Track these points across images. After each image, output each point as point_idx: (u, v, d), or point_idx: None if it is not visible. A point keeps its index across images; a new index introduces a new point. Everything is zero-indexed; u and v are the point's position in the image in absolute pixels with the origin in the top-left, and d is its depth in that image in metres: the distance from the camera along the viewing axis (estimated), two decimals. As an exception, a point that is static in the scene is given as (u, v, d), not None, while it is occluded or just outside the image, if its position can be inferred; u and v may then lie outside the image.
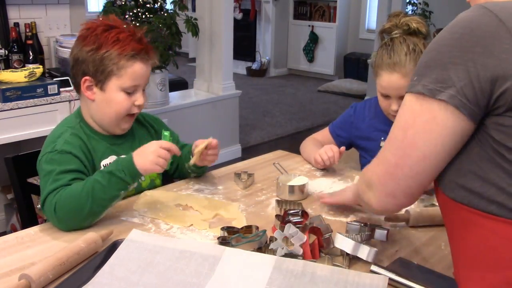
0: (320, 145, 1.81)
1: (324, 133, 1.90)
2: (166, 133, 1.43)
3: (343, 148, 1.69)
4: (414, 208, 1.39)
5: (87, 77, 1.40)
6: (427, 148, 0.81)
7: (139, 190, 1.51)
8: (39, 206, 1.38)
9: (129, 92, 1.42)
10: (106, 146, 1.47)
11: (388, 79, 1.58)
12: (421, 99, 0.80)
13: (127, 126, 1.49)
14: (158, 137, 1.58)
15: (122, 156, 1.39)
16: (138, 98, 1.44)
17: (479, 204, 0.79)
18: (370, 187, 0.91)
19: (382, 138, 1.73)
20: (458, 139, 0.79)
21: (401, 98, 1.57)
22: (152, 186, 1.58)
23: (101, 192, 1.27)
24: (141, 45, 1.41)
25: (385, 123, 1.73)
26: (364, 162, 1.83)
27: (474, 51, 0.76)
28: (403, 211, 1.42)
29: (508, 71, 0.74)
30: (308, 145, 1.86)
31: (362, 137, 1.80)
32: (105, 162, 1.45)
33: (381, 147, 1.72)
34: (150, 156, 1.30)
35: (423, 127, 0.80)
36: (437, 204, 1.42)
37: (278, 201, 1.45)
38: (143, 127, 1.62)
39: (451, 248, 0.92)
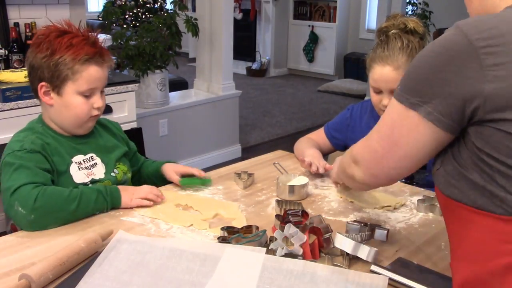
0: (315, 145, 1.81)
1: (319, 134, 1.89)
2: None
3: (329, 166, 1.67)
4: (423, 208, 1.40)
5: (43, 83, 1.41)
6: (410, 149, 0.90)
7: (115, 183, 1.51)
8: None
9: (87, 95, 1.43)
10: (72, 145, 1.48)
11: (380, 72, 1.58)
12: (404, 108, 0.88)
13: (89, 125, 1.50)
14: (120, 139, 1.63)
15: (88, 155, 1.48)
16: (97, 101, 1.45)
17: (468, 201, 0.85)
18: (357, 163, 1.01)
19: None
20: (436, 146, 0.89)
21: (392, 92, 1.58)
22: (126, 180, 1.58)
23: (86, 202, 1.34)
24: (95, 48, 1.42)
25: None
26: None
27: (447, 70, 0.82)
28: (412, 211, 1.42)
29: (475, 90, 0.80)
30: (302, 143, 1.86)
31: (357, 140, 1.77)
32: (75, 159, 1.46)
33: None
34: (135, 201, 1.41)
35: (407, 132, 0.89)
36: (437, 204, 1.43)
37: (278, 201, 1.45)
38: (106, 128, 1.63)
39: (449, 240, 0.97)
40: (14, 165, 1.33)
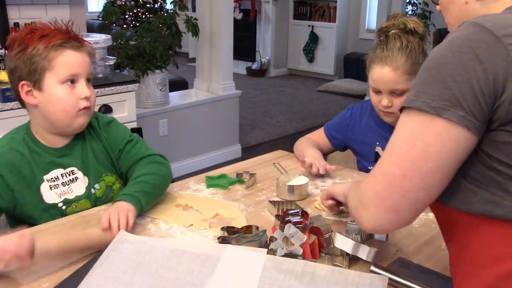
0: (315, 145, 1.81)
1: (319, 134, 1.89)
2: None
3: (329, 167, 1.66)
4: None
5: (23, 82, 1.33)
6: (440, 160, 0.79)
7: (95, 201, 1.45)
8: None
9: (70, 84, 1.34)
10: (50, 159, 1.40)
11: (379, 72, 1.58)
12: (423, 115, 0.80)
13: (81, 121, 1.38)
14: (111, 145, 1.48)
15: (69, 168, 1.41)
16: (82, 90, 1.35)
17: (471, 209, 0.82)
18: (365, 204, 0.86)
19: (378, 143, 1.73)
20: (467, 153, 0.80)
21: (391, 93, 1.59)
22: (109, 193, 1.49)
23: None
24: (68, 34, 1.35)
25: (381, 126, 1.72)
26: (359, 166, 1.82)
27: (476, 69, 0.77)
28: None
29: (503, 84, 0.76)
30: (302, 143, 1.85)
31: (357, 141, 1.79)
32: (48, 176, 1.39)
33: (376, 152, 1.72)
34: None
35: (434, 138, 0.79)
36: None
37: (272, 202, 1.44)
38: (96, 136, 1.49)
39: (448, 248, 0.95)
40: None
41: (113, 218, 1.22)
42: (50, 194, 1.39)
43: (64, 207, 1.40)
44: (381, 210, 0.83)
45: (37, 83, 1.33)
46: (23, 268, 1.06)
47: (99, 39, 2.86)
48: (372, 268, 1.10)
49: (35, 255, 1.06)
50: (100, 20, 4.58)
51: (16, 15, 2.83)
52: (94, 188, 1.46)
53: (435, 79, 0.80)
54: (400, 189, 0.81)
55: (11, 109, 2.41)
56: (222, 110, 4.16)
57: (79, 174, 1.43)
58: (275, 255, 1.11)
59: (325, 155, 1.84)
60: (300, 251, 1.12)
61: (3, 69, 2.67)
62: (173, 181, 1.73)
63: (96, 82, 2.69)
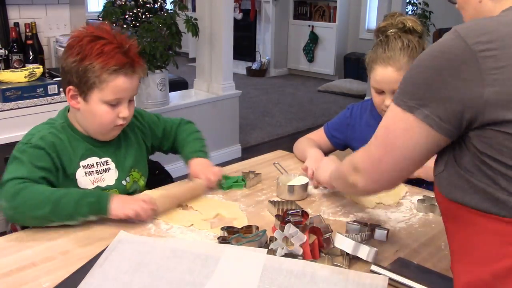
0: (315, 145, 1.81)
1: (319, 133, 1.89)
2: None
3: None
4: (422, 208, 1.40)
5: (71, 87, 1.40)
6: (406, 150, 0.91)
7: (123, 192, 1.50)
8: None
9: (113, 104, 1.41)
10: (87, 147, 1.46)
11: (382, 73, 1.58)
12: (399, 110, 0.89)
13: (114, 133, 1.49)
14: (142, 134, 1.62)
15: (104, 158, 1.47)
16: (123, 111, 1.43)
17: (471, 203, 0.85)
18: (357, 171, 1.01)
19: None
20: (434, 148, 0.89)
21: (393, 92, 1.57)
22: (136, 188, 1.57)
23: (65, 206, 1.26)
24: (127, 58, 1.39)
25: None
26: None
27: (446, 74, 0.82)
28: (412, 211, 1.42)
29: (474, 95, 0.79)
30: (302, 143, 1.85)
31: (357, 139, 1.78)
32: (84, 163, 1.45)
33: None
34: (127, 210, 1.29)
35: (402, 132, 0.89)
36: (436, 204, 1.43)
37: (272, 202, 1.44)
38: (133, 132, 1.60)
39: (448, 243, 0.97)
40: (14, 158, 1.35)
41: (206, 172, 1.53)
42: (85, 180, 1.44)
43: None
44: (367, 178, 1.00)
45: (83, 94, 1.40)
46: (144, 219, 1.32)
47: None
48: (372, 268, 1.10)
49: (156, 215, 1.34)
50: (100, 20, 4.58)
51: (16, 15, 2.83)
52: (126, 181, 1.52)
53: (412, 79, 0.88)
54: (377, 168, 0.97)
55: (11, 109, 2.41)
56: (222, 110, 4.16)
57: (112, 165, 1.50)
58: (275, 255, 1.11)
59: (326, 154, 1.85)
60: (300, 251, 1.12)
61: (3, 69, 2.67)
62: (173, 181, 1.73)
63: (96, 82, 2.70)
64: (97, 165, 1.47)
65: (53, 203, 1.25)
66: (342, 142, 1.85)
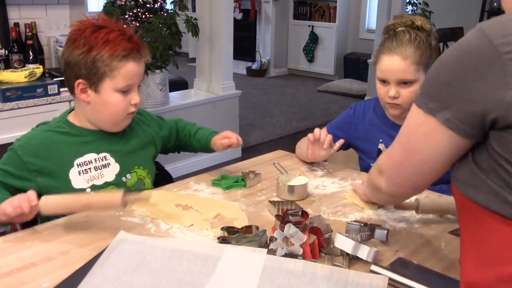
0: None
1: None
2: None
3: (341, 140, 1.69)
4: (423, 197, 1.40)
5: (80, 80, 1.39)
6: (427, 155, 0.89)
7: (123, 187, 1.49)
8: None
9: (124, 91, 1.42)
10: (85, 140, 1.46)
11: (388, 61, 1.59)
12: (422, 114, 0.86)
13: (125, 123, 1.50)
14: (148, 135, 1.61)
15: (102, 154, 1.47)
16: (134, 97, 1.44)
17: (483, 202, 0.83)
18: (382, 174, 1.01)
19: (380, 140, 1.74)
20: (455, 152, 0.87)
21: (398, 83, 1.60)
22: (140, 185, 1.56)
23: None
24: (132, 44, 1.40)
25: (385, 123, 1.74)
26: (362, 164, 1.82)
27: (468, 75, 0.79)
28: (412, 199, 1.42)
29: (496, 99, 0.77)
30: (304, 143, 1.83)
31: (361, 138, 1.80)
32: (80, 160, 1.44)
33: (379, 148, 1.73)
34: (6, 207, 1.21)
35: (423, 136, 0.88)
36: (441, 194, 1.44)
37: (272, 202, 1.44)
38: (139, 127, 1.61)
39: (460, 238, 0.95)
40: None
41: (230, 135, 1.60)
42: (79, 180, 1.43)
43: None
44: (390, 183, 0.99)
45: (94, 85, 1.39)
46: (25, 216, 1.22)
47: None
48: (372, 268, 1.10)
49: (38, 206, 1.21)
50: (100, 20, 4.60)
51: (16, 15, 2.83)
52: (126, 177, 1.51)
53: (433, 80, 0.85)
54: (399, 172, 0.96)
55: (11, 109, 2.42)
56: (222, 110, 4.16)
57: (111, 160, 1.49)
58: (275, 255, 1.11)
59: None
60: (300, 251, 1.12)
61: (3, 69, 2.67)
62: (173, 181, 1.73)
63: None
64: (95, 161, 1.46)
65: None
66: (345, 142, 1.83)
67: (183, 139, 1.72)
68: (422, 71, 1.60)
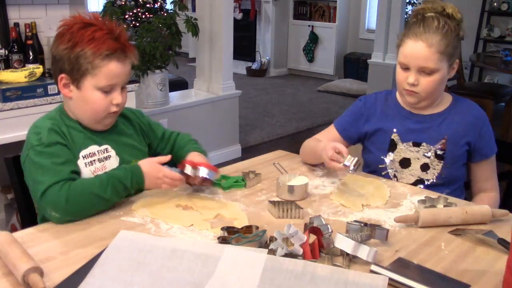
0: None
1: (328, 131, 1.82)
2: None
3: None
4: (423, 209, 1.40)
5: (63, 75, 1.40)
6: None
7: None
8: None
9: (106, 91, 1.41)
10: (86, 136, 1.47)
11: (412, 47, 1.55)
12: None
13: (108, 122, 1.49)
14: (141, 129, 1.62)
15: (103, 146, 1.48)
16: (116, 97, 1.43)
17: None
18: None
19: (395, 130, 1.70)
20: None
21: (419, 71, 1.56)
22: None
23: (113, 197, 1.35)
24: (118, 43, 1.40)
25: (399, 113, 1.71)
26: (368, 156, 1.77)
27: None
28: (412, 211, 1.42)
29: None
30: (310, 143, 1.78)
31: (372, 129, 1.74)
32: (85, 152, 1.45)
33: (392, 139, 1.69)
34: (156, 181, 1.41)
35: None
36: (437, 206, 1.44)
37: (272, 202, 1.44)
38: (126, 119, 1.61)
39: None
40: (36, 164, 1.35)
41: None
42: (85, 171, 1.44)
43: None
44: None
45: (76, 81, 1.40)
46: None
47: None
48: (372, 268, 1.10)
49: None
50: (100, 20, 4.60)
51: (16, 15, 2.83)
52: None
53: None
54: None
55: (11, 109, 2.41)
56: (222, 110, 4.16)
57: (112, 152, 1.51)
58: (275, 255, 1.11)
59: None
60: (300, 251, 1.12)
61: (3, 69, 2.67)
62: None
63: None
64: (98, 153, 1.47)
65: (103, 199, 1.33)
66: (354, 135, 1.79)
67: (176, 151, 1.68)
68: (446, 61, 1.55)
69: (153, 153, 1.67)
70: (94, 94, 1.40)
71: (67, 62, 1.38)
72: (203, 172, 1.45)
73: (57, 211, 1.29)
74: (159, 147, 1.69)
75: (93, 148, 1.47)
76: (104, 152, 1.49)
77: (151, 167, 1.42)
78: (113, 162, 1.51)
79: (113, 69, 1.39)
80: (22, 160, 1.41)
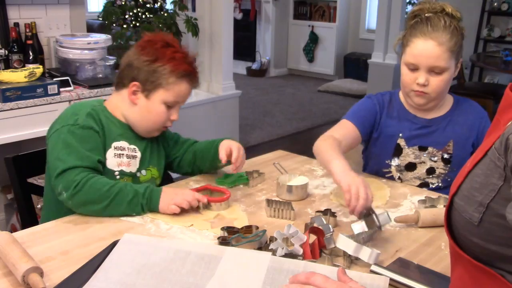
0: (340, 146, 1.53)
1: (343, 126, 1.66)
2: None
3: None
4: (423, 209, 1.40)
5: (135, 83, 1.48)
6: None
7: (136, 182, 1.52)
8: (39, 206, 1.38)
9: (170, 106, 1.52)
10: (121, 131, 1.52)
11: (422, 46, 1.51)
12: None
13: (156, 134, 1.59)
14: (162, 144, 1.65)
15: (133, 145, 1.52)
16: (174, 114, 1.56)
17: None
18: None
19: (400, 134, 1.67)
20: None
21: (429, 71, 1.53)
22: (152, 184, 1.56)
23: (119, 201, 1.35)
24: (191, 68, 1.53)
25: (405, 116, 1.67)
26: (371, 160, 1.74)
27: None
28: (413, 211, 1.42)
29: None
30: (323, 145, 1.53)
31: (378, 129, 1.70)
32: (117, 144, 1.50)
33: (397, 143, 1.66)
34: (172, 207, 1.37)
35: None
36: (437, 206, 1.43)
37: (268, 201, 1.43)
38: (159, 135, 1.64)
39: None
40: (65, 142, 1.39)
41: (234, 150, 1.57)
42: (112, 161, 1.49)
43: (118, 177, 1.50)
44: None
45: (147, 91, 1.49)
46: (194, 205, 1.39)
47: (99, 39, 2.86)
48: (372, 268, 1.10)
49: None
50: (100, 20, 4.58)
51: (16, 15, 2.83)
52: (140, 173, 1.56)
53: None
54: None
55: (11, 109, 2.41)
56: (222, 110, 4.15)
57: (138, 154, 1.55)
58: (275, 255, 1.11)
59: (346, 151, 1.61)
60: (300, 251, 1.12)
61: (3, 69, 2.67)
62: (173, 181, 1.73)
63: (96, 82, 2.69)
64: (128, 149, 1.52)
65: (109, 201, 1.33)
66: (369, 131, 1.69)
67: (198, 156, 1.67)
68: (454, 59, 1.54)
69: (167, 155, 1.68)
70: (159, 107, 1.50)
71: (145, 73, 1.47)
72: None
73: (66, 192, 1.33)
74: (174, 150, 1.70)
75: (124, 144, 1.52)
76: (133, 151, 1.54)
77: (171, 188, 1.47)
78: (136, 163, 1.54)
79: (183, 89, 1.52)
80: (49, 134, 1.45)
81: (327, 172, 1.48)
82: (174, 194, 1.39)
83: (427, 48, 1.51)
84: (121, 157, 1.50)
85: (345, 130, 1.65)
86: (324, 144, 1.52)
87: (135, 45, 1.53)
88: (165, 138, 1.69)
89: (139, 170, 1.55)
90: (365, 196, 1.24)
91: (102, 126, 1.47)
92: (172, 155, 1.69)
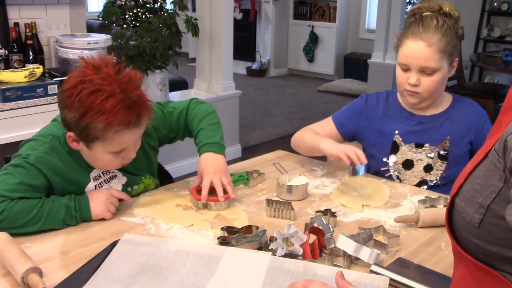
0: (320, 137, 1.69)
1: (325, 123, 1.79)
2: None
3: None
4: (423, 209, 1.40)
5: (71, 134, 1.30)
6: None
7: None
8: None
9: (117, 152, 1.33)
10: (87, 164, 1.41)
11: (412, 47, 1.54)
12: None
13: (118, 167, 1.44)
14: (154, 137, 1.54)
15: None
16: (128, 154, 1.36)
17: None
18: None
19: (396, 132, 1.68)
20: None
21: (420, 71, 1.55)
22: (144, 191, 1.55)
23: (52, 220, 1.29)
24: (131, 113, 1.25)
25: (401, 114, 1.70)
26: (370, 159, 1.68)
27: None
28: (413, 211, 1.42)
29: None
30: (306, 134, 1.73)
31: (373, 130, 1.73)
32: (93, 174, 1.42)
33: (394, 141, 1.68)
34: (102, 204, 1.34)
35: None
36: (437, 206, 1.43)
37: (268, 201, 1.43)
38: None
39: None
40: (8, 166, 1.32)
41: (217, 185, 1.43)
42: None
43: None
44: None
45: (85, 142, 1.30)
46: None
47: (99, 39, 2.86)
48: (372, 268, 1.10)
49: None
50: (100, 20, 4.58)
51: (16, 15, 2.83)
52: (132, 188, 1.51)
53: None
54: None
55: (11, 109, 2.41)
56: (222, 110, 4.14)
57: (116, 171, 1.47)
58: (275, 255, 1.11)
59: None
60: (300, 251, 1.12)
61: (3, 69, 2.67)
62: (173, 181, 1.73)
63: (96, 82, 2.69)
64: (103, 174, 1.44)
65: (42, 223, 1.27)
66: (351, 131, 1.77)
67: (191, 133, 1.60)
68: (446, 60, 1.55)
69: (164, 143, 1.62)
70: (105, 156, 1.32)
71: (76, 128, 1.27)
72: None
73: None
74: (169, 138, 1.61)
75: (97, 171, 1.43)
76: (109, 172, 1.45)
77: (99, 191, 1.39)
78: (118, 181, 1.48)
79: (126, 140, 1.29)
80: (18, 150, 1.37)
81: (317, 153, 1.66)
82: (99, 201, 1.34)
83: (417, 49, 1.53)
84: (102, 185, 1.43)
85: (325, 126, 1.78)
86: (306, 133, 1.74)
87: (62, 91, 1.27)
88: (158, 130, 1.55)
89: (127, 186, 1.49)
90: (359, 150, 1.46)
91: (63, 163, 1.35)
92: (171, 139, 1.61)
